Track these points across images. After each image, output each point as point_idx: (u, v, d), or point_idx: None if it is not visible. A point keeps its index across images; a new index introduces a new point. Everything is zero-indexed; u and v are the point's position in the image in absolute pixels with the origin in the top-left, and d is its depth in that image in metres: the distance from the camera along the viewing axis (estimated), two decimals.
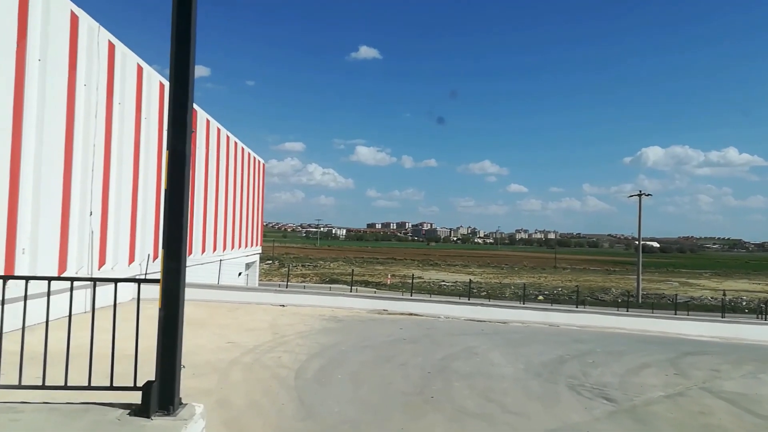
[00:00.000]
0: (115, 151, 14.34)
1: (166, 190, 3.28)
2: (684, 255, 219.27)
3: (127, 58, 14.94)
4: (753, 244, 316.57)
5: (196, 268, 20.02)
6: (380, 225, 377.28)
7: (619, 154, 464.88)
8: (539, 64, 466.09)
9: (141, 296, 15.27)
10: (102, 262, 14.03)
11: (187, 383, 7.53)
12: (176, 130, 3.33)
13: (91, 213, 13.31)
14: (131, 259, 15.73)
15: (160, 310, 3.21)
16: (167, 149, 3.27)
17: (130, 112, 15.17)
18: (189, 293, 15.59)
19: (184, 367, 3.86)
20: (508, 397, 7.49)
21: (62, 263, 12.19)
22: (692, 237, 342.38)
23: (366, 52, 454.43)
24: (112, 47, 14.14)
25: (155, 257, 17.35)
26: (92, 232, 13.34)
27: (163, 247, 3.28)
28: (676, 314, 27.26)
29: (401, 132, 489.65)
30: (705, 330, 21.32)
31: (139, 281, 3.83)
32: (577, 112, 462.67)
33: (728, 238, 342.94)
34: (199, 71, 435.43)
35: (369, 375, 8.36)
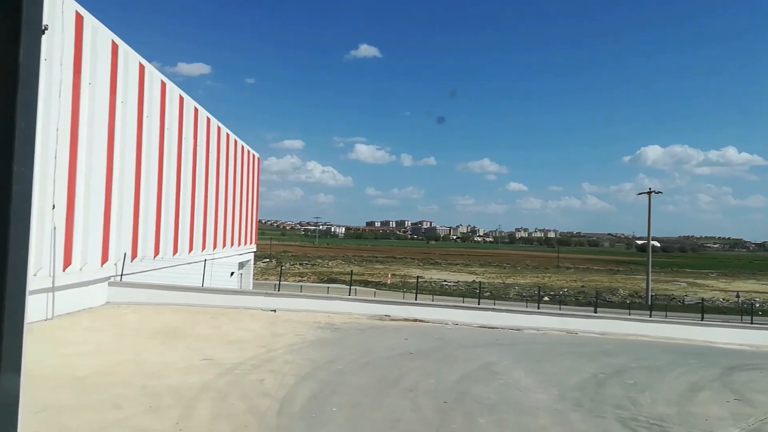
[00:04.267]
0: (84, 137, 12.69)
1: None
2: (686, 254, 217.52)
3: (99, 33, 13.29)
4: (754, 243, 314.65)
5: (183, 269, 18.32)
6: (379, 223, 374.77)
7: (619, 153, 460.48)
8: (538, 62, 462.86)
9: (115, 300, 13.28)
10: (67, 262, 12.38)
11: (139, 422, 5.89)
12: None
13: (53, 206, 11.66)
14: (104, 259, 14.07)
15: None
16: None
17: (102, 93, 13.54)
18: (170, 297, 13.91)
19: None
20: None
21: None
22: (693, 236, 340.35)
23: (366, 50, 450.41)
24: (80, 19, 12.49)
25: (134, 256, 15.71)
26: (54, 228, 11.68)
27: None
28: (702, 320, 25.62)
29: (400, 130, 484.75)
30: (731, 337, 19.77)
31: None
32: (576, 111, 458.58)
33: (729, 238, 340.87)
34: (199, 68, 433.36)
35: (371, 407, 6.72)
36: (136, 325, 11.83)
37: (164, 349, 9.63)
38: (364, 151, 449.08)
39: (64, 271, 12.23)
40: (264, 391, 7.10)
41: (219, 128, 23.71)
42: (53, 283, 11.61)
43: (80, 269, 12.88)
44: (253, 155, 31.43)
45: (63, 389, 6.92)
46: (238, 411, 6.25)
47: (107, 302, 14.17)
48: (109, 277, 14.33)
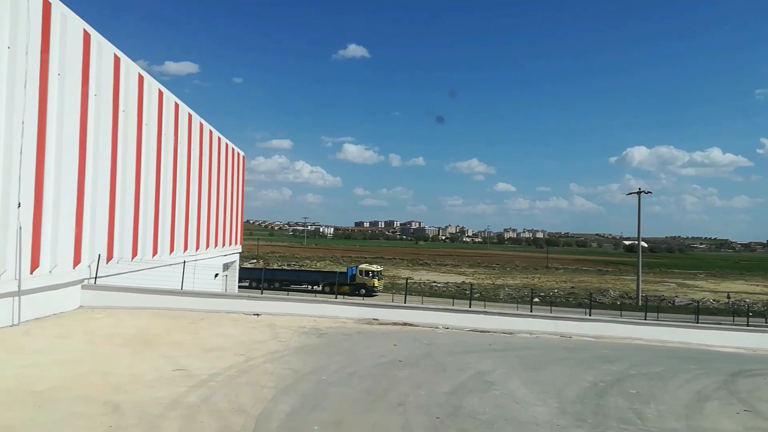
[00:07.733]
0: (53, 130, 11.94)
1: None
2: (673, 255, 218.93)
3: (69, 21, 12.55)
4: (739, 244, 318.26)
5: (163, 271, 17.57)
6: (368, 223, 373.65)
7: (605, 154, 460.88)
8: (526, 63, 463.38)
9: (89, 304, 12.60)
10: (35, 264, 11.63)
11: None
12: None
13: (19, 204, 10.92)
14: (77, 261, 13.32)
15: None
16: None
17: (73, 85, 12.78)
18: (148, 301, 13.15)
19: None
20: None
21: None
22: (679, 237, 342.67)
23: (354, 50, 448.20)
24: (47, 6, 11.75)
25: (109, 258, 14.95)
26: (20, 227, 10.94)
27: None
28: (697, 322, 25.27)
29: (389, 130, 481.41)
30: (726, 340, 19.33)
31: None
32: (563, 111, 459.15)
33: (715, 238, 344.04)
34: (187, 68, 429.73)
35: (356, 424, 6.11)
36: (109, 331, 11.12)
37: (135, 358, 8.95)
38: (353, 151, 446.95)
39: (31, 273, 11.48)
40: (239, 406, 6.46)
41: (201, 125, 22.97)
42: (19, 286, 10.88)
43: (50, 272, 12.13)
44: (238, 153, 30.68)
45: (16, 405, 6.25)
46: (208, 431, 5.61)
47: (80, 306, 13.42)
48: (82, 280, 13.58)
